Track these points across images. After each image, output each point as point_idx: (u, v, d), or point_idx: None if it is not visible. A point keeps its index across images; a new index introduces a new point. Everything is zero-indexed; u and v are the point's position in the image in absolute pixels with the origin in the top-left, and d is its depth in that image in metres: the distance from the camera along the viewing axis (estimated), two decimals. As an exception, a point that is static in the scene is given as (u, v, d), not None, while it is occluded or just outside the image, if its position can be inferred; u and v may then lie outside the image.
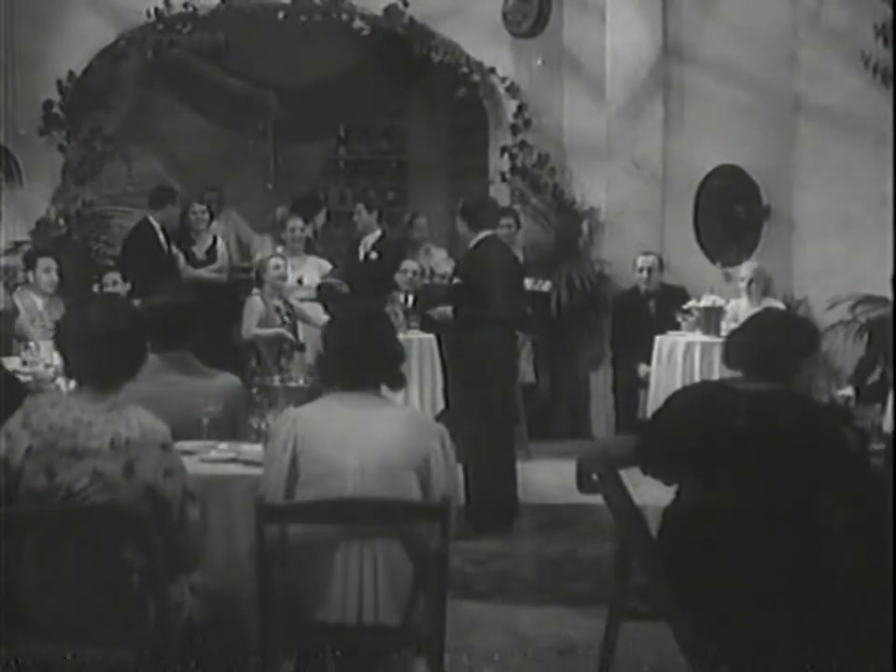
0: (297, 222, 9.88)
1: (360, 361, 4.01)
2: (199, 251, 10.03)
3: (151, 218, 9.73)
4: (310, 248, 10.08)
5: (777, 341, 4.12)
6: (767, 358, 4.09)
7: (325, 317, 9.02)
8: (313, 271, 9.73)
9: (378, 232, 10.12)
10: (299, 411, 4.06)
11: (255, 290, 9.10)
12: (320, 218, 10.42)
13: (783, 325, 4.29)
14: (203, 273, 9.88)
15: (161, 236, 9.74)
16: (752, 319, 4.40)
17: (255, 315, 9.01)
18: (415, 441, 3.92)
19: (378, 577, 3.77)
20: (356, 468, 3.83)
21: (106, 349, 3.72)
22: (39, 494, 3.60)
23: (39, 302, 8.51)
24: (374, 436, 3.88)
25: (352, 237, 10.33)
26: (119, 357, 3.75)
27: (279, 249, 9.81)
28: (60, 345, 3.87)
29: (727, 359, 4.24)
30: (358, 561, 3.77)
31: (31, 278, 8.62)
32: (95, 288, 8.78)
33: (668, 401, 4.23)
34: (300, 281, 9.55)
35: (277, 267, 9.13)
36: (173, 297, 5.23)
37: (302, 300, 9.40)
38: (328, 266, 9.85)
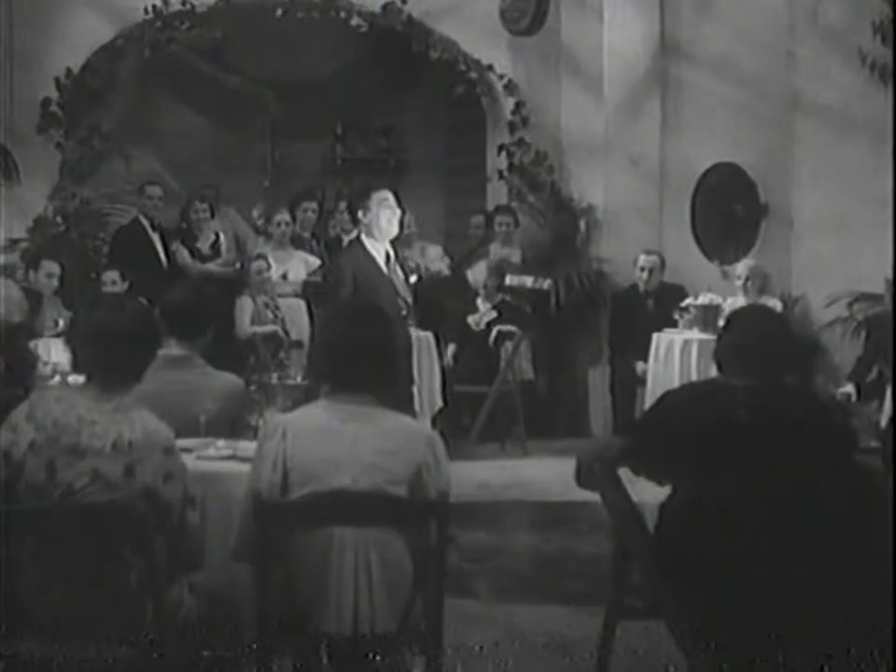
0: (283, 216, 9.86)
1: (349, 359, 3.89)
2: (203, 247, 10.02)
3: (141, 218, 9.72)
4: (311, 247, 10.06)
5: (770, 341, 4.14)
6: (763, 360, 4.10)
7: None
8: (299, 266, 9.67)
9: (355, 233, 10.10)
10: (287, 421, 3.90)
11: (245, 289, 9.15)
12: (312, 215, 10.34)
13: (769, 323, 4.29)
14: (212, 267, 9.86)
15: (153, 234, 9.72)
16: (737, 320, 4.40)
17: (246, 314, 9.06)
18: (407, 455, 3.82)
19: (373, 586, 3.71)
20: (347, 487, 3.78)
21: (115, 348, 3.73)
22: (39, 489, 3.61)
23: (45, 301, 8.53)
24: (366, 453, 3.78)
25: (329, 235, 10.29)
26: (127, 357, 3.76)
27: (263, 245, 9.83)
28: (70, 341, 3.91)
29: (721, 368, 4.24)
30: (353, 570, 3.72)
31: (32, 278, 8.61)
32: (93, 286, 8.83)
33: (660, 402, 4.24)
34: (284, 276, 9.51)
35: (260, 272, 9.16)
36: (189, 293, 5.23)
37: (284, 295, 9.37)
38: (314, 262, 9.80)
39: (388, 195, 6.99)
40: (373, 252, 6.94)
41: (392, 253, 7.06)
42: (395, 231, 7.02)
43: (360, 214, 6.92)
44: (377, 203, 6.92)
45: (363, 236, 6.97)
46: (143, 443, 3.64)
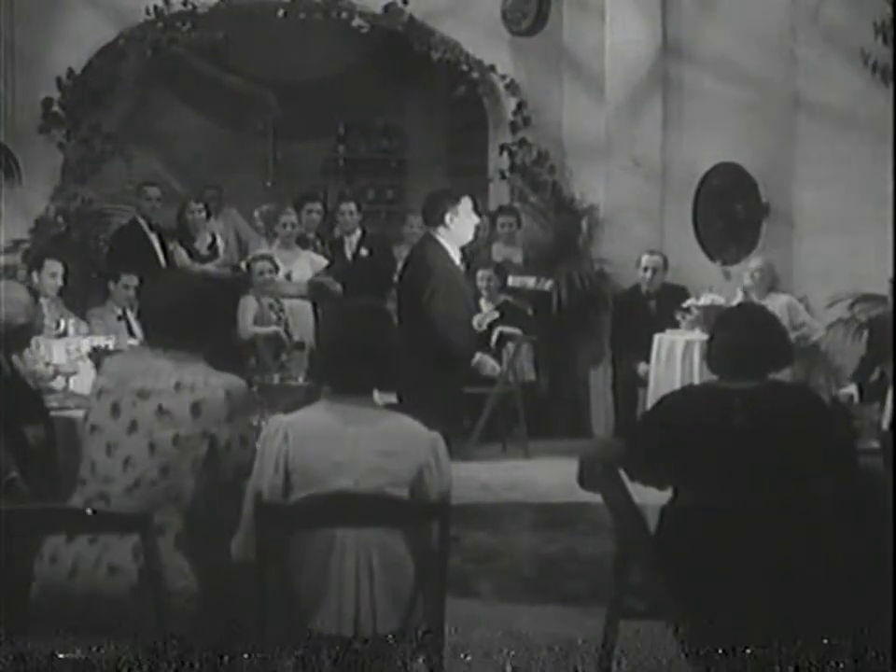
0: (290, 217, 9.86)
1: (351, 359, 3.88)
2: (201, 247, 10.04)
3: (139, 218, 9.74)
4: (315, 248, 10.08)
5: (758, 341, 4.14)
6: (753, 359, 4.10)
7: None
8: (304, 266, 9.66)
9: (359, 231, 10.14)
10: (288, 423, 3.88)
11: (249, 289, 9.16)
12: (317, 216, 10.35)
13: (760, 323, 4.29)
14: (210, 267, 9.88)
15: (151, 234, 9.73)
16: (729, 319, 4.41)
17: (249, 314, 9.06)
18: (409, 455, 3.82)
19: (375, 587, 3.71)
20: (349, 489, 3.77)
21: (175, 316, 3.96)
22: (101, 430, 3.82)
23: (44, 304, 8.51)
24: (368, 455, 3.78)
25: (333, 236, 10.31)
26: (191, 327, 3.97)
27: (266, 246, 9.85)
28: (140, 316, 4.45)
29: (710, 364, 4.25)
30: (355, 571, 3.72)
31: (35, 279, 8.61)
32: (111, 286, 8.87)
33: (657, 406, 4.24)
34: (288, 276, 9.51)
35: (262, 273, 9.16)
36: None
37: (290, 296, 9.37)
38: (321, 262, 9.80)
39: (471, 203, 6.90)
40: (451, 253, 6.86)
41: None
42: (470, 237, 6.96)
43: (448, 219, 6.77)
44: (466, 213, 6.80)
45: (439, 238, 6.83)
46: (204, 386, 3.85)
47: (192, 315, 3.97)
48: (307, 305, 9.41)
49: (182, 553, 3.78)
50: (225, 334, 4.80)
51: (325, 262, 9.79)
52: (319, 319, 9.28)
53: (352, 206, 10.30)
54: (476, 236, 7.17)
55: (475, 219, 6.85)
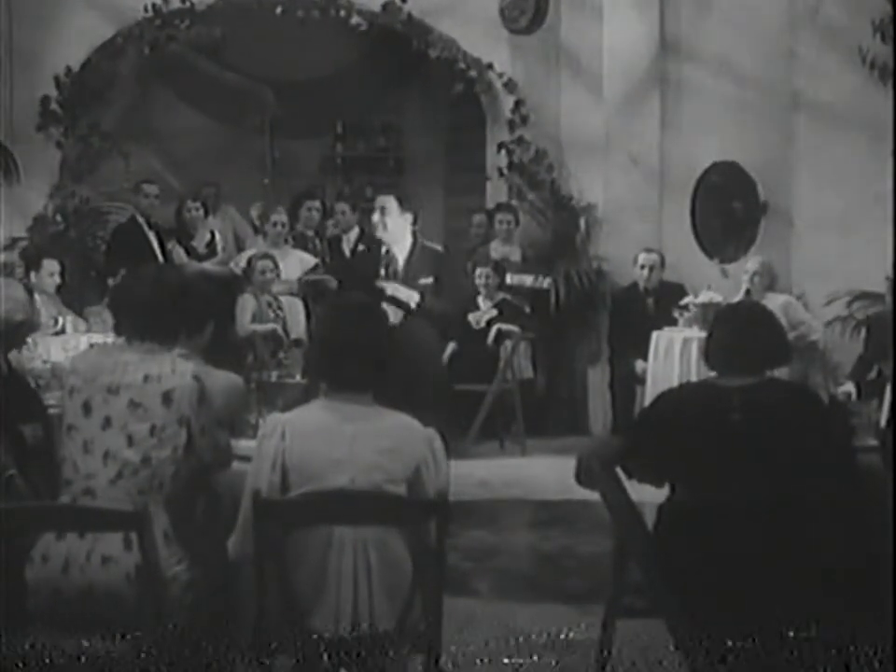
0: (280, 216, 9.90)
1: (345, 356, 3.87)
2: (199, 245, 10.04)
3: (137, 216, 9.73)
4: (314, 245, 10.09)
5: (756, 338, 4.15)
6: (751, 356, 4.11)
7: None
8: (294, 264, 9.69)
9: (357, 229, 10.15)
10: (286, 420, 3.89)
11: (247, 287, 9.16)
12: (317, 214, 10.36)
13: (759, 321, 4.30)
14: (209, 266, 9.87)
15: (149, 232, 9.72)
16: (728, 316, 4.43)
17: (248, 312, 9.07)
18: (406, 452, 3.82)
19: (373, 584, 3.71)
20: (346, 486, 3.77)
21: (140, 309, 3.98)
22: (77, 427, 3.84)
23: (39, 301, 8.50)
24: (365, 452, 3.78)
25: (330, 235, 10.32)
26: (159, 322, 3.98)
27: (260, 244, 9.86)
28: (111, 306, 4.35)
29: (708, 361, 4.26)
30: (352, 569, 3.72)
31: (33, 278, 8.60)
32: (109, 284, 8.84)
33: (654, 404, 4.24)
34: (278, 274, 9.52)
35: (264, 272, 9.17)
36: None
37: (280, 293, 9.38)
38: (309, 260, 9.81)
39: (389, 201, 6.90)
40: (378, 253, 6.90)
41: (398, 254, 6.96)
42: (397, 235, 6.94)
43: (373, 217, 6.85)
44: (380, 209, 6.85)
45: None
46: (172, 373, 3.86)
47: (158, 308, 3.97)
48: (298, 303, 9.42)
49: (172, 540, 3.79)
50: (202, 328, 4.74)
51: (314, 261, 9.80)
52: (312, 316, 9.28)
53: (345, 206, 10.37)
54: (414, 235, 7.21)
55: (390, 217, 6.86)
